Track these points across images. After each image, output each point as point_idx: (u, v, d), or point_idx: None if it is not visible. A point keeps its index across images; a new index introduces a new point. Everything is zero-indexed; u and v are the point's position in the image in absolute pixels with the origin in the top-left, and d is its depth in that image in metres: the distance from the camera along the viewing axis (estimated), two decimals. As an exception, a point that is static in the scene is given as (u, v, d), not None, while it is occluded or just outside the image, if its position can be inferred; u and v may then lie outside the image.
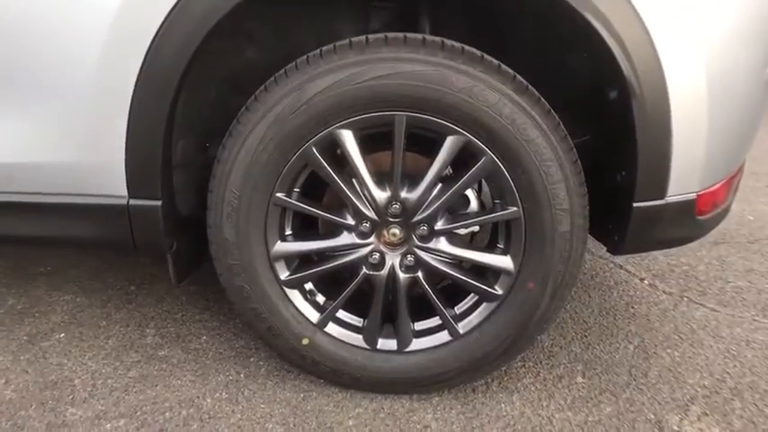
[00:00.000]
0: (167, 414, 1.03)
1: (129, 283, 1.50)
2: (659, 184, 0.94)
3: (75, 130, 0.95)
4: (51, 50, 0.92)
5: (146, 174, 0.96)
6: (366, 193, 0.96)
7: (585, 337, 1.31)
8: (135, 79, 0.91)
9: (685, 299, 1.49)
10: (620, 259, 1.69)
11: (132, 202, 0.97)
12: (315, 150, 0.93)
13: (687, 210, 0.98)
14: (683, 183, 0.95)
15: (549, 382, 1.13)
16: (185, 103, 0.96)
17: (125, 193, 0.97)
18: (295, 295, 1.03)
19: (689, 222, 1.00)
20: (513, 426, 1.01)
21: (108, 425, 1.00)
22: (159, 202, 0.97)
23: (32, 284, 1.49)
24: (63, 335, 1.27)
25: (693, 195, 0.97)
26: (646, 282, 1.58)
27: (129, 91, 0.91)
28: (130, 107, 0.92)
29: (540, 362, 1.20)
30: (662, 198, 0.95)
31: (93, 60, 0.90)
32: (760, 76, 0.98)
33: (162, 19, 0.88)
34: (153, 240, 1.00)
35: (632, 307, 1.44)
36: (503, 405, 1.06)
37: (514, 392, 1.10)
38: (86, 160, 0.96)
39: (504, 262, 0.98)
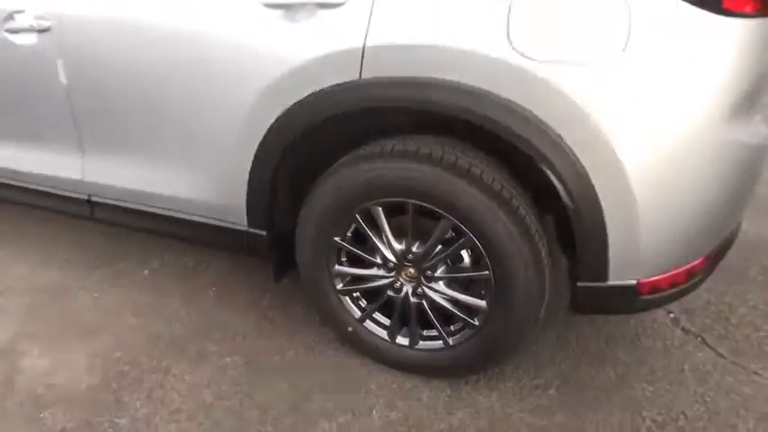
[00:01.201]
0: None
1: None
2: (600, 271, 1.22)
3: (222, 182, 1.56)
4: (214, 130, 1.50)
5: (257, 213, 1.54)
6: (390, 246, 1.42)
7: (579, 358, 1.62)
8: (255, 152, 1.46)
9: (699, 339, 1.66)
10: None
11: (249, 229, 1.58)
12: (358, 216, 1.40)
13: (629, 291, 1.24)
14: (622, 272, 1.22)
15: (525, 389, 1.52)
16: (284, 170, 1.49)
17: (245, 223, 1.57)
18: (346, 299, 1.57)
19: (634, 300, 1.26)
20: (479, 414, 1.45)
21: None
22: (265, 232, 1.56)
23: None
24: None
25: (633, 282, 1.23)
26: (671, 315, 1.76)
27: (251, 159, 1.47)
28: (250, 172, 1.49)
29: (529, 372, 1.57)
30: (604, 282, 1.23)
31: (235, 137, 1.47)
32: (704, 186, 1.15)
33: (276, 116, 1.38)
34: (260, 253, 1.61)
35: (639, 339, 1.68)
36: (481, 397, 1.49)
37: (494, 390, 1.51)
38: (227, 202, 1.57)
39: (481, 304, 1.37)
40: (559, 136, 1.11)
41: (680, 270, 1.28)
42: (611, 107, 1.07)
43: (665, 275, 1.26)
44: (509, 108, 1.12)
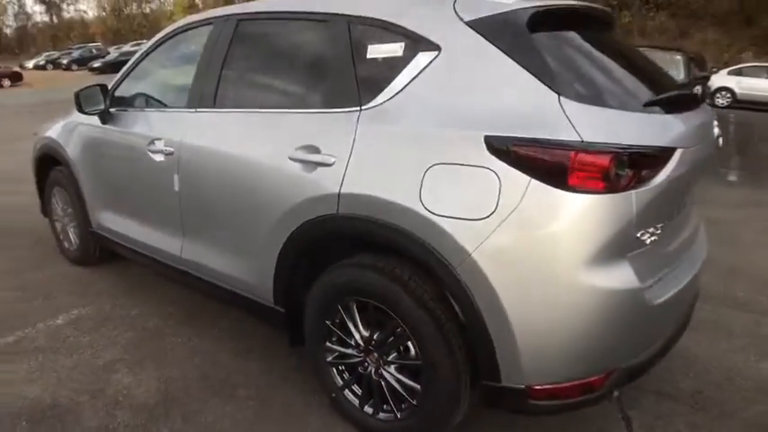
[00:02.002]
0: (278, 406, 2.19)
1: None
2: (494, 373, 1.58)
3: (260, 270, 2.17)
4: (258, 233, 2.14)
5: (279, 295, 2.13)
6: (359, 333, 1.90)
7: None
8: (279, 251, 2.06)
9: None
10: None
11: (275, 306, 2.16)
12: (340, 307, 1.92)
13: (520, 394, 1.57)
14: (511, 377, 1.56)
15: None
16: (299, 266, 2.07)
17: (272, 300, 2.16)
18: (333, 370, 2.05)
19: (526, 403, 1.58)
20: None
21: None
22: (284, 310, 2.13)
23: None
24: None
25: (522, 386, 1.56)
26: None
27: (277, 256, 2.07)
28: (276, 265, 2.09)
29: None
30: (498, 382, 1.58)
31: (269, 239, 2.08)
32: (567, 319, 1.48)
33: (293, 229, 1.98)
34: (281, 324, 2.17)
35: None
36: None
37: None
38: (262, 285, 2.18)
39: (416, 386, 1.77)
40: (451, 264, 1.54)
41: (575, 383, 1.57)
42: (483, 250, 1.49)
43: (558, 386, 1.56)
44: (416, 240, 1.59)
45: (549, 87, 1.48)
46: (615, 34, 2.18)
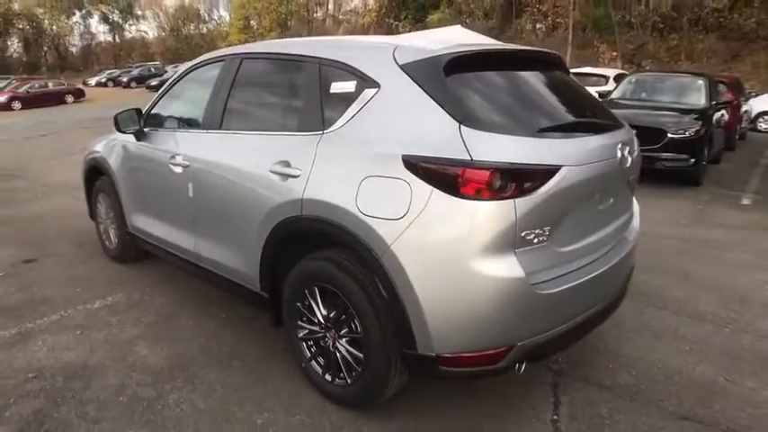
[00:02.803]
0: (262, 375, 2.67)
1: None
2: (411, 342, 1.99)
3: (250, 261, 2.66)
4: (248, 229, 2.62)
5: (265, 283, 2.61)
6: (320, 315, 2.35)
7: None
8: (263, 246, 2.54)
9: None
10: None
11: (261, 292, 2.64)
12: (306, 291, 2.38)
13: (432, 361, 1.97)
14: (424, 346, 1.97)
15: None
16: (278, 259, 2.55)
17: (259, 287, 2.65)
18: (303, 344, 2.50)
19: (437, 369, 1.98)
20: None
21: (245, 372, 2.72)
22: (268, 295, 2.61)
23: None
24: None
25: (433, 354, 1.96)
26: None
27: (261, 250, 2.56)
28: (261, 257, 2.57)
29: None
30: (415, 350, 1.99)
31: (256, 235, 2.57)
32: (465, 295, 1.87)
33: (272, 227, 2.45)
34: (267, 308, 2.65)
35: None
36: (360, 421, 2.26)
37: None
38: (252, 273, 2.67)
39: (360, 355, 2.20)
40: (377, 254, 1.98)
41: (477, 354, 1.96)
42: (399, 243, 1.92)
43: (461, 355, 1.96)
44: (353, 236, 2.04)
45: (453, 117, 1.91)
46: (559, 70, 2.57)
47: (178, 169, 3.07)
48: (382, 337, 2.07)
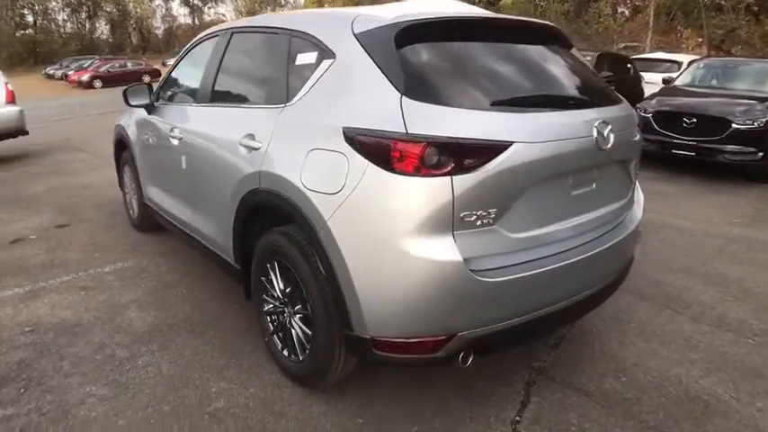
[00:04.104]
0: (233, 347, 2.73)
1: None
2: (348, 322, 1.94)
3: (224, 232, 2.71)
4: (223, 199, 2.66)
5: (238, 255, 2.65)
6: (278, 290, 2.35)
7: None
8: (234, 217, 2.58)
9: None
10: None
11: (234, 264, 2.69)
12: (268, 266, 2.39)
13: (367, 344, 1.91)
14: (359, 327, 1.91)
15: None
16: (248, 231, 2.57)
17: (233, 259, 2.70)
18: (267, 318, 2.52)
19: (372, 353, 1.91)
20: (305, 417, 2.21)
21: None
22: (240, 267, 2.65)
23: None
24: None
25: (368, 337, 1.90)
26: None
27: (233, 221, 2.59)
28: (233, 229, 2.61)
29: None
30: (351, 331, 1.95)
31: (228, 206, 2.60)
32: (400, 280, 1.78)
33: (241, 197, 2.48)
34: (239, 280, 2.69)
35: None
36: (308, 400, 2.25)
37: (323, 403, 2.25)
38: (225, 245, 2.72)
39: (309, 332, 2.19)
40: (315, 229, 1.94)
41: (412, 341, 1.88)
42: (334, 218, 1.87)
43: (396, 340, 1.88)
44: (297, 209, 2.01)
45: (396, 88, 1.82)
46: (553, 43, 2.39)
47: (175, 142, 3.18)
48: (326, 315, 2.04)
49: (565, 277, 2.05)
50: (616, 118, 2.18)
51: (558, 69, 2.25)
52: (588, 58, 8.81)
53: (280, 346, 2.45)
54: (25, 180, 6.54)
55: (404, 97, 1.80)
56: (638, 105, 6.80)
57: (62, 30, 47.86)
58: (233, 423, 2.16)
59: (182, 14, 64.50)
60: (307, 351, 2.26)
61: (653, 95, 7.21)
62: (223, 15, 65.03)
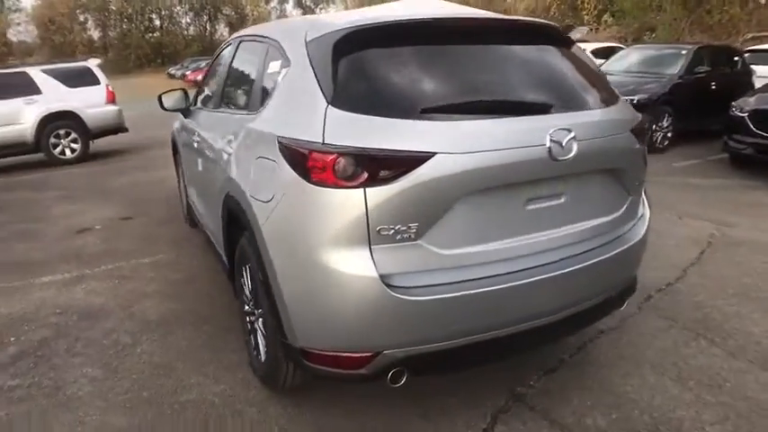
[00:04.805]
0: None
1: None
2: (282, 329, 1.97)
3: (219, 233, 2.87)
4: (214, 194, 2.83)
5: (227, 255, 2.80)
6: (248, 293, 2.45)
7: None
8: (220, 218, 2.72)
9: None
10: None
11: (227, 264, 2.84)
12: (243, 268, 2.50)
13: (298, 354, 1.93)
14: (290, 335, 1.94)
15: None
16: (231, 233, 2.70)
17: (226, 260, 2.85)
18: (246, 319, 2.63)
19: (303, 363, 1.93)
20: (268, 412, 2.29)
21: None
22: (229, 267, 2.80)
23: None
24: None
25: (298, 347, 1.92)
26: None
27: (221, 223, 2.74)
28: (222, 230, 2.76)
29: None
30: (286, 339, 1.98)
31: (217, 202, 2.76)
32: (323, 293, 1.78)
33: (223, 197, 2.62)
34: (230, 278, 2.84)
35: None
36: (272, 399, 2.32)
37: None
38: (219, 244, 2.89)
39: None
40: (255, 237, 2.00)
41: (337, 354, 1.86)
42: (267, 227, 1.92)
43: (322, 353, 1.87)
44: (245, 215, 2.08)
45: (325, 97, 1.82)
46: (541, 42, 2.24)
47: (196, 145, 3.42)
48: (272, 318, 2.09)
49: (520, 298, 1.92)
50: (588, 124, 1.99)
51: (521, 72, 2.09)
52: (684, 52, 8.00)
53: (253, 346, 2.55)
54: (113, 174, 7.35)
55: (330, 106, 1.79)
56: (733, 104, 6.06)
57: (185, 32, 52.66)
58: (193, 415, 2.30)
59: (295, 15, 68.27)
60: (264, 355, 2.34)
61: (753, 92, 6.38)
62: (334, 15, 67.62)
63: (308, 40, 2.06)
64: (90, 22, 38.89)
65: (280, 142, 1.90)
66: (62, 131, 8.19)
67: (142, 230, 4.79)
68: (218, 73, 3.32)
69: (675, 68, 7.77)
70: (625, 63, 8.68)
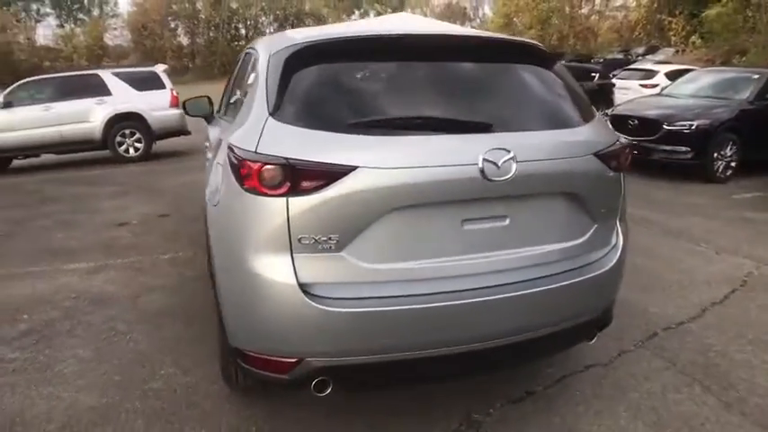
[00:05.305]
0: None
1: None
2: (224, 332, 2.08)
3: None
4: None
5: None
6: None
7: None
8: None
9: None
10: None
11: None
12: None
13: (236, 355, 2.02)
14: (229, 335, 2.04)
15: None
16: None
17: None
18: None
19: (241, 365, 2.01)
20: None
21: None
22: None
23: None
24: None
25: (234, 347, 2.02)
26: None
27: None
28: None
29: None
30: (226, 338, 2.08)
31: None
32: (255, 298, 1.86)
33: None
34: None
35: None
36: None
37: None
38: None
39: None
40: (209, 241, 2.13)
41: (263, 357, 1.92)
42: (212, 231, 2.04)
43: (252, 355, 1.94)
44: (205, 223, 2.21)
45: (268, 108, 1.92)
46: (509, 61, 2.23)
47: (211, 153, 3.64)
48: (218, 320, 2.22)
49: (451, 320, 1.91)
50: (534, 145, 1.95)
51: (469, 90, 2.07)
52: (756, 77, 7.45)
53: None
54: (168, 174, 7.89)
55: (270, 117, 1.90)
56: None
57: (269, 42, 55.53)
58: (153, 403, 2.45)
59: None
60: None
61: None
62: (409, 28, 68.50)
63: (271, 53, 2.18)
64: (180, 29, 41.77)
65: (228, 149, 2.03)
66: (127, 131, 8.92)
67: (170, 228, 5.13)
68: (229, 82, 3.53)
69: (745, 94, 7.28)
70: (692, 86, 8.25)
